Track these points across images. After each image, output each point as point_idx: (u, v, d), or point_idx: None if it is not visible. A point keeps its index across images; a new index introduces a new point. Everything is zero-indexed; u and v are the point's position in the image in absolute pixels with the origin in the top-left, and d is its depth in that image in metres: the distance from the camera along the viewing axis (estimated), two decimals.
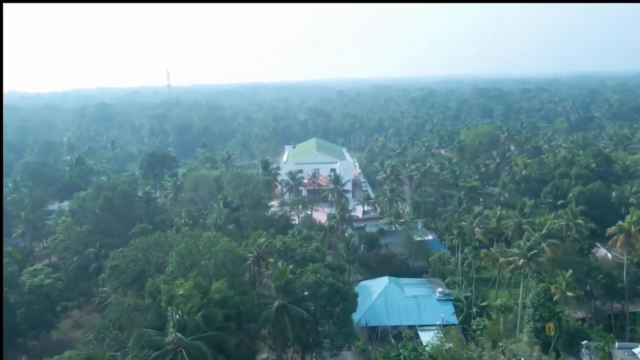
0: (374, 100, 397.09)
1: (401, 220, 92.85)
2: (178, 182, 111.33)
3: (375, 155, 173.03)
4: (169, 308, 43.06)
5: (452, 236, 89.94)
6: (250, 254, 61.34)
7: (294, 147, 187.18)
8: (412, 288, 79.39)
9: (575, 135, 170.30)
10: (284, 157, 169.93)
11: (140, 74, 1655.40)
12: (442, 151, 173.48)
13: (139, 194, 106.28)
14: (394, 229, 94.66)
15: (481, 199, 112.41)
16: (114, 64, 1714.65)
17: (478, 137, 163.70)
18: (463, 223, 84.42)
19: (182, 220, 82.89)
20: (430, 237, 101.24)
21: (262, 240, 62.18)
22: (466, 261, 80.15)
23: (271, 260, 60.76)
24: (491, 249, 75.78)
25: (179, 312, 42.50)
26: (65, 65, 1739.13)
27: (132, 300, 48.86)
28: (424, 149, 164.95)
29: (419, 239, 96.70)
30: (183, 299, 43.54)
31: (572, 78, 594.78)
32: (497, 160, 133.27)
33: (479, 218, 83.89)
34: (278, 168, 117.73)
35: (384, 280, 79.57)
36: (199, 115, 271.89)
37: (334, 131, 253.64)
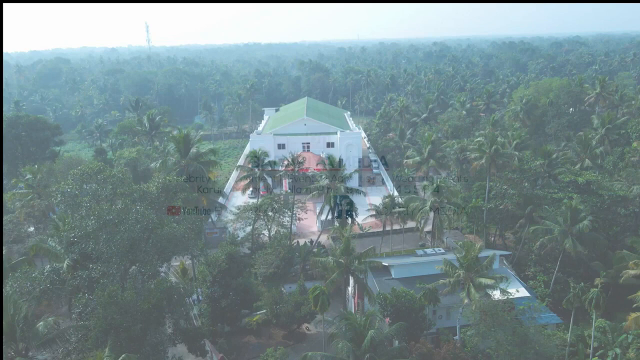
0: (380, 56, 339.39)
1: (491, 289, 40.78)
2: (39, 176, 59.71)
3: (393, 121, 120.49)
4: None
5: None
6: None
7: (276, 111, 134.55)
8: None
9: None
10: (261, 126, 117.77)
11: (130, 34, 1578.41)
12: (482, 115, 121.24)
13: None
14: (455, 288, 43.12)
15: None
16: (104, 24, 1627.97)
17: (544, 95, 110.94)
18: None
19: None
20: (525, 292, 50.40)
21: None
22: None
23: None
24: None
25: None
26: (55, 25, 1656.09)
27: None
28: (464, 112, 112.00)
29: (501, 296, 45.77)
30: None
31: (594, 36, 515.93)
32: (602, 131, 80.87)
33: None
34: (213, 152, 61.58)
35: None
36: (164, 71, 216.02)
37: (333, 90, 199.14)
